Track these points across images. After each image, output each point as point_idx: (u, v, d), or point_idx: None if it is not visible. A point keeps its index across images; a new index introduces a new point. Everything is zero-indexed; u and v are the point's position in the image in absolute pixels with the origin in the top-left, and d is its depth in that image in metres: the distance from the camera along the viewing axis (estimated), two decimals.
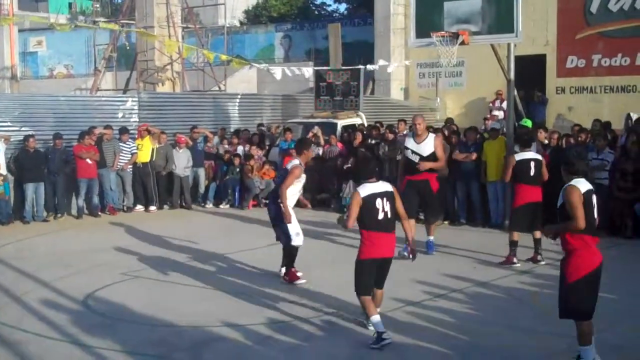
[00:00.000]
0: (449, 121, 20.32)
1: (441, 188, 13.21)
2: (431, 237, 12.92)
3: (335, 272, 11.38)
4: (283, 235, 10.93)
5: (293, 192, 10.88)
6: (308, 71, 24.75)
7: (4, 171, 16.17)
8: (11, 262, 12.46)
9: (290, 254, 11.00)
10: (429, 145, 12.19)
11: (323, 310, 9.54)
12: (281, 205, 10.66)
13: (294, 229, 10.82)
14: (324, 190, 18.57)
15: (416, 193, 12.35)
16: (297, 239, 10.86)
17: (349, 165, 17.39)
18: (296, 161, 10.91)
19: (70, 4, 52.12)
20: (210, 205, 19.01)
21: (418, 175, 12.26)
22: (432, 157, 12.19)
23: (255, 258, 12.79)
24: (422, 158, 12.16)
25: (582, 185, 7.56)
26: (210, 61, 28.34)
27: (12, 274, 11.72)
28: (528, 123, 15.73)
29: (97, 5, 42.23)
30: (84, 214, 17.42)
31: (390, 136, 16.85)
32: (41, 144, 17.19)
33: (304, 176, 10.97)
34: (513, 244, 11.96)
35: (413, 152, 12.28)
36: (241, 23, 44.10)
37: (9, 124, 17.41)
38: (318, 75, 22.25)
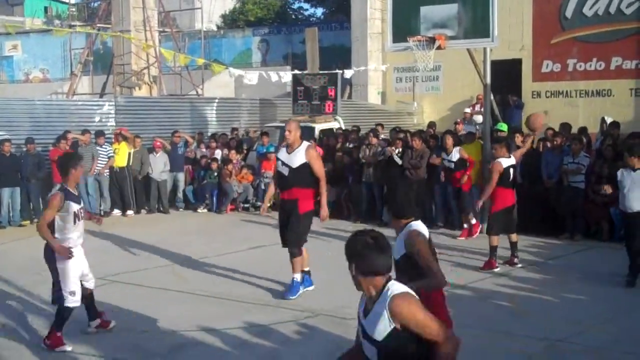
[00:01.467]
0: (430, 125, 20.40)
1: (309, 213, 10.60)
2: (296, 276, 10.40)
3: (313, 275, 11.37)
4: (55, 289, 8.50)
5: (72, 228, 8.54)
6: (286, 75, 24.75)
7: None
8: None
9: (60, 315, 8.39)
10: (299, 155, 10.03)
11: (300, 314, 9.53)
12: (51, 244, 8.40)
13: (70, 285, 8.36)
14: None
15: (286, 217, 10.42)
16: (72, 300, 8.38)
17: (327, 169, 17.39)
18: (56, 188, 8.68)
19: (46, 8, 51.79)
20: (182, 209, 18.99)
21: (287, 192, 10.29)
22: (304, 169, 10.09)
23: (232, 262, 12.77)
24: (292, 170, 10.09)
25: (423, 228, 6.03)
26: (183, 65, 28.24)
27: None
28: (503, 127, 15.81)
29: (73, 9, 41.97)
30: None
31: (374, 140, 16.87)
32: (17, 149, 17.07)
33: (74, 206, 8.44)
34: (494, 249, 12.00)
35: (283, 163, 10.19)
36: (218, 27, 44.05)
37: None
38: (295, 80, 22.26)
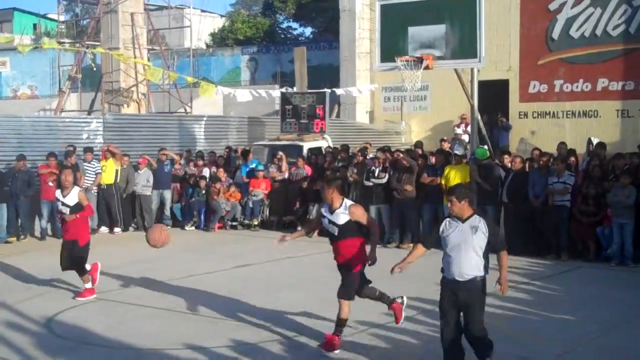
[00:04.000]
0: (418, 144, 20.49)
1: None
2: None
3: (300, 294, 11.38)
4: None
5: None
6: (275, 92, 24.88)
7: None
8: None
9: None
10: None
11: (288, 333, 9.52)
12: None
13: None
14: (290, 212, 18.57)
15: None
16: None
17: (317, 187, 17.44)
18: None
19: (34, 25, 51.77)
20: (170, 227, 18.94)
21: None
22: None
23: (220, 280, 12.76)
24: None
25: None
26: (172, 81, 28.28)
27: None
28: (480, 153, 15.66)
29: (62, 27, 41.97)
30: (47, 236, 17.23)
31: (360, 159, 16.92)
32: (4, 165, 17.03)
33: None
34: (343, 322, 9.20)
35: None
36: (207, 46, 44.13)
37: None
38: (284, 98, 22.32)
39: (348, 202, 9.05)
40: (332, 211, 8.93)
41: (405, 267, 8.14)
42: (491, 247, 7.52)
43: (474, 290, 7.61)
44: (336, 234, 8.96)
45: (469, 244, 7.46)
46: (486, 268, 7.57)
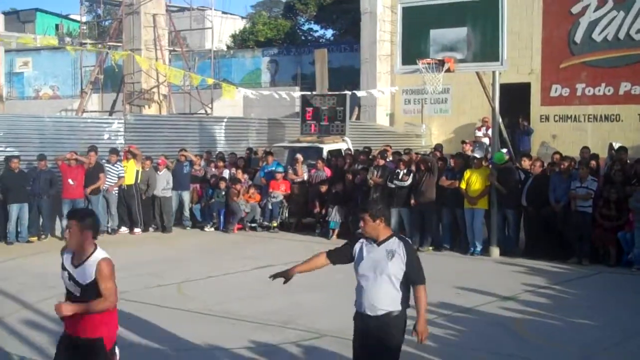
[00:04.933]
0: (437, 147, 20.43)
1: None
2: None
3: (320, 296, 11.37)
4: None
5: None
6: (295, 94, 24.94)
7: None
8: None
9: None
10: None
11: (306, 334, 9.52)
12: None
13: None
14: (309, 214, 18.58)
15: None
16: None
17: (336, 189, 17.44)
18: None
19: (57, 26, 52.07)
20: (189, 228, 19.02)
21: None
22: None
23: (239, 281, 12.80)
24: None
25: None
26: (195, 84, 28.38)
27: None
28: (498, 157, 15.55)
29: (84, 28, 42.18)
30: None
31: (381, 162, 16.89)
32: (26, 165, 17.14)
33: None
34: None
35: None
36: (228, 47, 44.23)
37: None
38: (304, 100, 22.34)
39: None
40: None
41: (290, 275, 6.82)
42: (407, 279, 6.19)
43: (387, 329, 6.18)
44: None
45: (382, 272, 6.14)
46: (405, 301, 6.24)
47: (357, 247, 6.37)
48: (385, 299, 6.16)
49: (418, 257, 6.31)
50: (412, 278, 6.21)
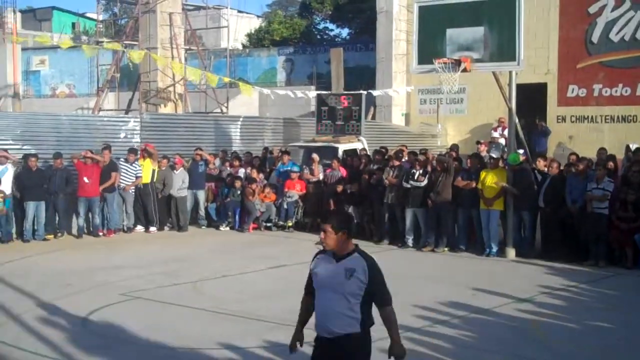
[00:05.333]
0: (453, 147, 20.36)
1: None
2: None
3: None
4: None
5: None
6: (311, 93, 24.96)
7: (7, 190, 16.21)
8: (11, 281, 12.44)
9: None
10: None
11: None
12: None
13: None
14: (324, 214, 18.55)
15: None
16: None
17: (352, 189, 17.42)
18: None
19: (73, 24, 52.31)
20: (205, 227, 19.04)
21: None
22: None
23: (253, 280, 12.82)
24: None
25: None
26: (213, 85, 28.45)
27: (11, 292, 11.70)
28: (512, 158, 15.48)
29: (101, 26, 42.37)
30: (84, 234, 17.40)
31: (397, 162, 16.85)
32: (42, 163, 17.22)
33: None
34: None
35: None
36: (244, 46, 44.29)
37: (11, 142, 17.49)
38: (320, 99, 22.33)
39: None
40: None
41: (301, 339, 6.13)
42: (370, 299, 5.63)
43: (346, 352, 5.64)
44: None
45: (339, 290, 5.57)
46: (366, 323, 5.66)
47: (312, 264, 5.81)
48: (342, 319, 5.57)
49: (382, 276, 5.69)
50: (377, 300, 5.66)
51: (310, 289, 5.88)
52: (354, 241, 5.74)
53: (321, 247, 5.83)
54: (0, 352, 8.69)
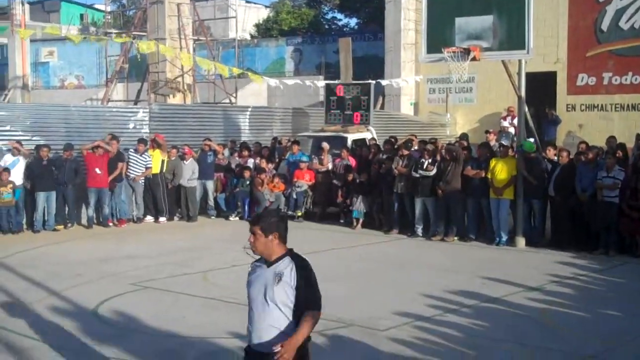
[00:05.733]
0: (462, 137, 20.31)
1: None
2: None
3: (344, 286, 11.37)
4: None
5: None
6: (319, 83, 24.96)
7: (18, 181, 16.29)
8: (21, 271, 12.49)
9: None
10: None
11: (332, 324, 9.51)
12: None
13: None
14: (334, 203, 18.57)
15: None
16: None
17: (361, 179, 17.41)
18: None
19: (81, 15, 52.34)
20: (214, 217, 19.05)
21: None
22: None
23: None
24: None
25: None
26: (225, 75, 28.43)
27: (22, 282, 11.75)
28: (528, 146, 15.46)
29: (109, 17, 42.38)
30: (94, 224, 17.44)
31: (406, 152, 16.82)
32: (52, 154, 17.25)
33: None
34: None
35: None
36: (252, 36, 44.25)
37: (21, 133, 17.55)
38: (328, 89, 22.30)
39: None
40: None
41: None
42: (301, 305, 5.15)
43: None
44: None
45: (269, 298, 5.15)
46: None
47: (249, 270, 5.42)
48: (272, 330, 5.14)
49: (313, 281, 5.21)
50: (304, 303, 5.13)
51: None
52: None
53: (250, 252, 5.36)
54: (10, 340, 8.74)
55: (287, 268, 5.16)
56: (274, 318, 5.14)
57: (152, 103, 24.38)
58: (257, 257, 5.35)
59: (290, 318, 5.14)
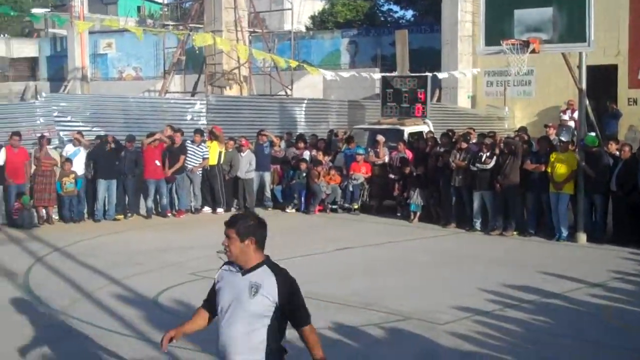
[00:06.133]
0: (521, 130, 20.06)
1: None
2: None
3: (401, 279, 11.35)
4: None
5: None
6: (375, 75, 24.89)
7: (80, 171, 16.59)
8: (83, 259, 12.72)
9: None
10: None
11: (389, 317, 9.50)
12: None
13: None
14: (390, 197, 18.50)
15: None
16: None
17: (418, 172, 17.32)
18: None
19: (138, 8, 52.93)
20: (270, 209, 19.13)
21: None
22: None
23: (321, 262, 12.85)
24: None
25: None
26: (282, 67, 28.52)
27: (84, 270, 11.96)
28: (590, 140, 15.18)
29: (166, 9, 42.82)
30: (153, 215, 17.65)
31: (464, 145, 16.67)
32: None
33: None
34: None
35: None
36: (307, 28, 44.27)
37: (81, 123, 17.89)
38: (385, 82, 22.22)
39: None
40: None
41: (179, 336, 5.20)
42: (283, 322, 4.81)
43: None
44: None
45: (240, 310, 4.71)
46: (275, 352, 4.78)
47: (217, 275, 4.97)
48: (242, 345, 4.69)
49: (297, 292, 4.81)
50: (293, 321, 4.82)
51: (208, 301, 5.07)
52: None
53: (224, 257, 4.93)
54: (74, 328, 8.90)
55: (266, 280, 4.70)
56: (243, 331, 4.68)
57: (209, 95, 24.55)
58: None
59: (263, 333, 4.69)
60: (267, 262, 4.83)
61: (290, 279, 4.81)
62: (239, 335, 4.67)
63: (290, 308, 4.74)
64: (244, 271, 4.77)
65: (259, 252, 4.83)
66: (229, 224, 4.86)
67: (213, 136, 18.65)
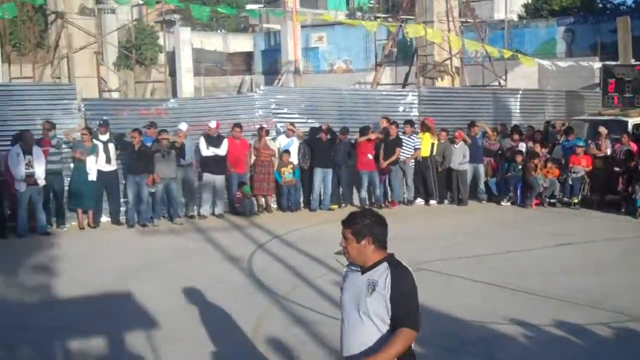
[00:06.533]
0: None
1: None
2: None
3: (626, 277, 10.80)
4: None
5: None
6: (595, 64, 23.81)
7: (295, 161, 17.08)
8: (301, 247, 13.06)
9: None
10: None
11: (618, 317, 9.02)
12: None
13: None
14: (613, 191, 17.56)
15: None
16: None
17: None
18: None
19: (347, 1, 53.77)
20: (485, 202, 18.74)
21: None
22: None
23: (540, 257, 12.50)
24: None
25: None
26: (495, 57, 27.97)
27: (303, 258, 12.27)
28: None
29: (376, 2, 43.16)
30: (366, 205, 17.81)
31: None
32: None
33: None
34: None
35: None
36: (520, 17, 43.17)
37: (297, 115, 18.40)
38: (606, 71, 21.18)
39: None
40: None
41: None
42: (392, 316, 4.51)
43: None
44: None
45: (360, 309, 4.56)
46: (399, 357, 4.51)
47: (342, 275, 4.90)
48: (361, 346, 4.57)
49: (410, 293, 4.57)
50: (397, 320, 4.50)
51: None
52: None
53: (342, 259, 4.82)
54: (297, 314, 9.11)
55: (382, 277, 4.53)
56: (363, 331, 4.56)
57: (421, 86, 24.45)
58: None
59: (384, 331, 4.54)
60: (388, 259, 4.65)
61: (405, 276, 4.60)
62: (359, 335, 4.57)
63: (396, 306, 4.48)
64: (363, 270, 4.64)
65: (378, 251, 4.65)
66: (345, 223, 4.69)
67: (425, 128, 18.55)
